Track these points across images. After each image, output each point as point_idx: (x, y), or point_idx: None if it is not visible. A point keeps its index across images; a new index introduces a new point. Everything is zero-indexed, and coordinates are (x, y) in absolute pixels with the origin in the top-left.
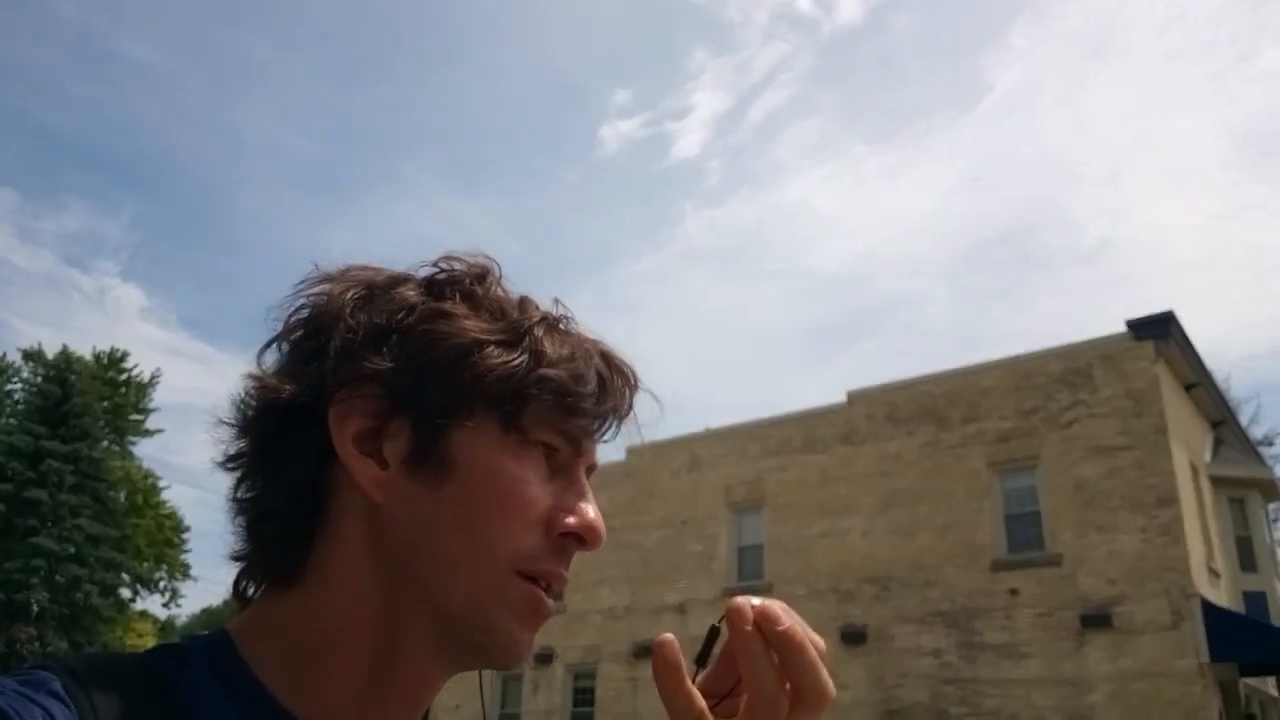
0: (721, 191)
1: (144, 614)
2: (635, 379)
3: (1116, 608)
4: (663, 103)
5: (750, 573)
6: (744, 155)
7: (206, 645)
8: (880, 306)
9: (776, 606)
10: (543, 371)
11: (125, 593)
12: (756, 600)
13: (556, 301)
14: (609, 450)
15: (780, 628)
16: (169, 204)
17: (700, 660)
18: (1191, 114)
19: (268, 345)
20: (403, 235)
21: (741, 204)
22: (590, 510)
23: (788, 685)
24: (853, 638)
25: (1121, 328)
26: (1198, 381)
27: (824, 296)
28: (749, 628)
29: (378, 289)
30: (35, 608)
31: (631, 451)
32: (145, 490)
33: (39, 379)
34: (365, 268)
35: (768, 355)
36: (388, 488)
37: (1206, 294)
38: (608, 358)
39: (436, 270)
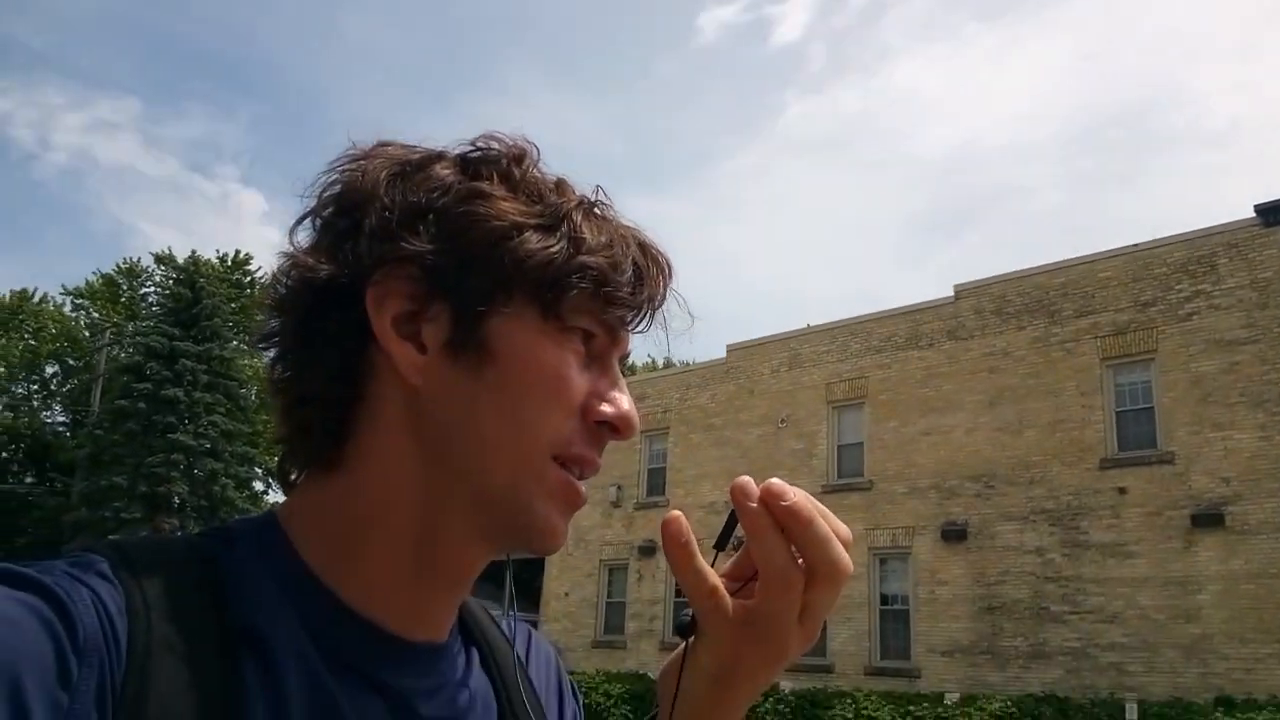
0: (824, 78)
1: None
2: (670, 269)
3: (1230, 507)
4: None
5: (850, 470)
6: (848, 39)
7: (253, 527)
8: (987, 195)
9: (781, 483)
10: (582, 259)
11: (258, 485)
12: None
13: (597, 188)
14: (710, 348)
15: (786, 502)
16: (282, 108)
17: (720, 544)
18: None
19: (299, 221)
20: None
21: (844, 91)
22: (625, 400)
23: (800, 561)
24: (953, 535)
25: (1250, 214)
26: None
27: (929, 186)
28: (753, 504)
29: (412, 166)
30: (176, 500)
31: (731, 349)
32: None
33: (170, 282)
34: (398, 144)
35: (870, 249)
36: (427, 372)
37: None
38: (644, 246)
39: (472, 149)
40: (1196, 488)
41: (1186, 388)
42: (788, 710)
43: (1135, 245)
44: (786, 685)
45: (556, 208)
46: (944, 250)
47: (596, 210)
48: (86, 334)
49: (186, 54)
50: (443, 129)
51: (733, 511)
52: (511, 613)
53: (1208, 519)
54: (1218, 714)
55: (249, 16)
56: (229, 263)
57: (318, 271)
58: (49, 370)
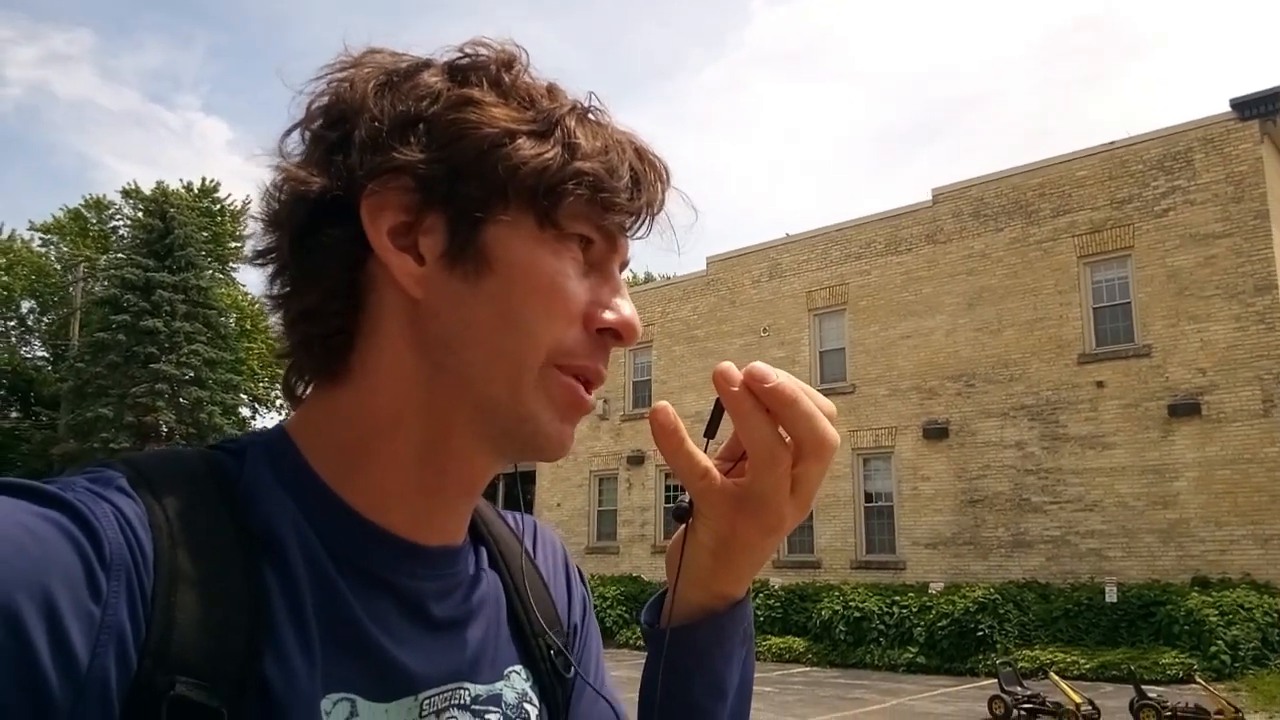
0: None
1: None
2: (667, 173)
3: (1206, 397)
4: None
5: (832, 375)
6: None
7: (265, 441)
8: (959, 103)
9: (764, 366)
10: (577, 165)
11: (245, 411)
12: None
13: (591, 94)
14: (690, 262)
15: (769, 384)
16: (241, 36)
17: (709, 432)
18: None
19: (288, 133)
20: None
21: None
22: (626, 306)
23: (788, 439)
24: (934, 433)
25: (1225, 109)
26: None
27: (899, 95)
28: (735, 389)
29: (399, 75)
30: (164, 428)
31: (712, 262)
32: (253, 315)
33: (140, 214)
34: (388, 52)
35: (846, 159)
36: (426, 284)
37: None
38: (640, 151)
39: (460, 55)
40: (1173, 379)
41: (1163, 282)
42: (778, 604)
43: (1112, 144)
44: (776, 581)
45: (549, 113)
46: (918, 158)
47: (590, 115)
48: (59, 269)
49: None
50: (403, 49)
51: (718, 400)
52: (520, 513)
53: (1184, 409)
54: (1193, 593)
55: None
56: (197, 191)
57: (310, 184)
58: (24, 307)
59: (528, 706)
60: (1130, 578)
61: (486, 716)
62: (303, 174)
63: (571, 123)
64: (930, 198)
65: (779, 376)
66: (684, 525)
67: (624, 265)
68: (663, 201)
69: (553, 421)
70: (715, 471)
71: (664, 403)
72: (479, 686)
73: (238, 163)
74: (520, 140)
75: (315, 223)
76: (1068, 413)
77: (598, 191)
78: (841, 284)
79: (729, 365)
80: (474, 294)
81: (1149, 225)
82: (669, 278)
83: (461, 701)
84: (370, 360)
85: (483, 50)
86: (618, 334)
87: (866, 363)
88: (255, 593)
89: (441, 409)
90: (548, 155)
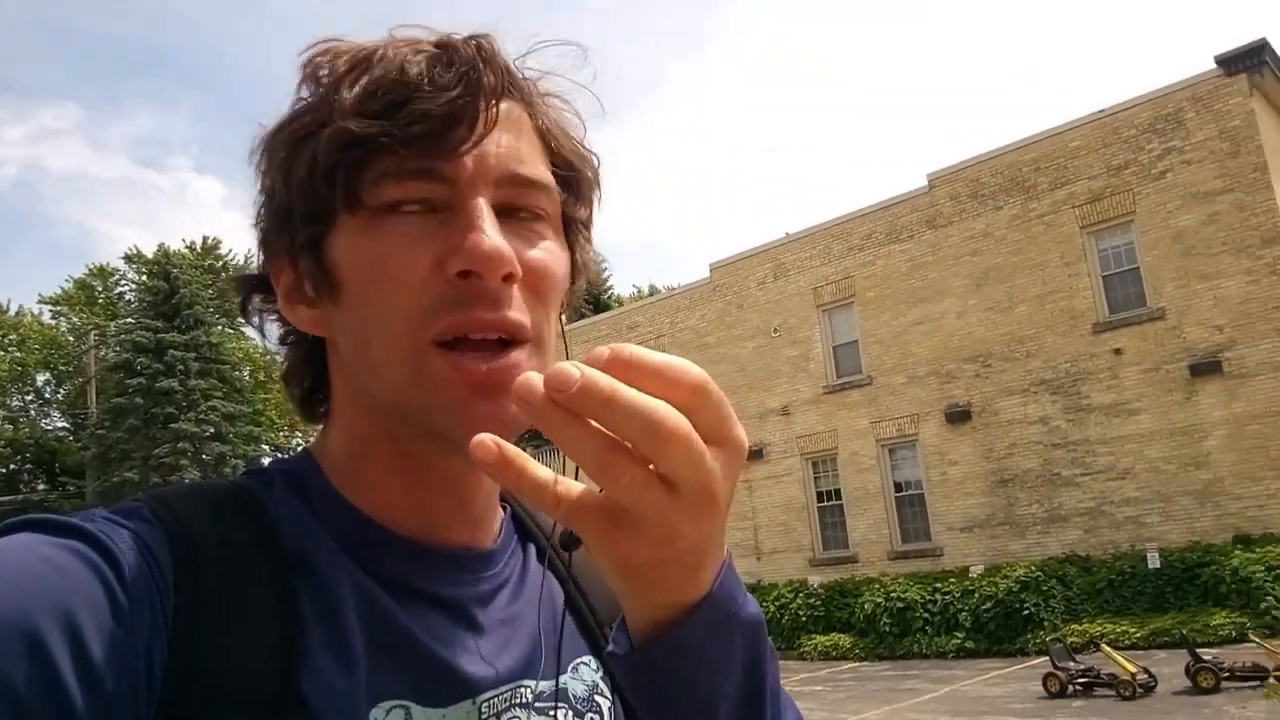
0: None
1: None
2: (486, 50)
3: (1226, 353)
4: None
5: (848, 369)
6: None
7: (291, 465)
8: (937, 86)
9: (565, 367)
10: (325, 131)
11: (267, 461)
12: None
13: (392, 29)
14: (695, 270)
15: (573, 390)
16: (225, 94)
17: None
18: None
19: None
20: None
21: None
22: (476, 238)
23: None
24: (957, 417)
25: (1211, 66)
26: None
27: (873, 86)
28: (538, 404)
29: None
30: None
31: (715, 268)
32: (266, 366)
33: (144, 278)
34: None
35: (837, 151)
36: (323, 323)
37: None
38: (438, 49)
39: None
40: (1190, 339)
41: (1169, 244)
42: (818, 602)
43: (1101, 111)
44: (814, 579)
45: (325, 88)
46: (906, 144)
47: (374, 56)
48: (70, 339)
49: (119, 53)
50: None
51: None
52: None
53: (1205, 368)
54: (1236, 551)
55: (177, 8)
56: (199, 250)
57: (246, 269)
58: (40, 379)
59: (599, 699)
60: (1171, 542)
61: (553, 713)
62: (236, 269)
63: (340, 84)
64: (926, 183)
65: (583, 374)
66: (569, 556)
67: (503, 180)
68: (494, 87)
69: (447, 409)
70: (570, 495)
71: (481, 436)
72: (542, 683)
73: (236, 218)
74: (297, 141)
75: (257, 304)
76: (1089, 383)
77: (362, 144)
78: (847, 277)
79: (526, 377)
80: (340, 313)
81: (1148, 189)
82: (673, 288)
83: (523, 700)
84: (335, 399)
85: (320, 65)
86: (473, 271)
87: (881, 353)
88: (286, 613)
89: (389, 426)
90: (309, 143)
